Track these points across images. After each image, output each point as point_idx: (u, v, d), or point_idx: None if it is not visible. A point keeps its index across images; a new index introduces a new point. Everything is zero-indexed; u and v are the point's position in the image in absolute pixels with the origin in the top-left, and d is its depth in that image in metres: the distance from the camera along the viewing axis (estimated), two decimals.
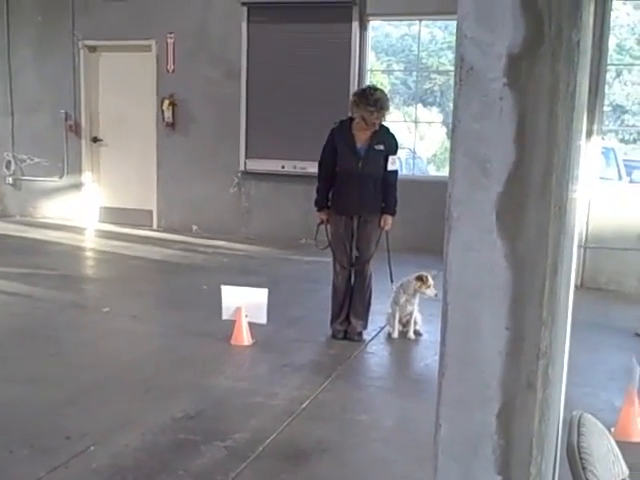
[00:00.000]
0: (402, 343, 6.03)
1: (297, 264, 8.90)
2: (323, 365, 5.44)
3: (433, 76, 16.03)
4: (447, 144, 17.02)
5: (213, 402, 4.67)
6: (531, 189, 1.57)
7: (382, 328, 6.29)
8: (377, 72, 13.53)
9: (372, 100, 5.68)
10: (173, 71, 10.90)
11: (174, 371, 5.20)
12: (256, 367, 5.42)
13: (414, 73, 12.38)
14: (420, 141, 14.05)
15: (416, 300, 6.10)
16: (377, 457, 4.05)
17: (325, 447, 4.10)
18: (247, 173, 10.61)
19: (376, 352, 5.86)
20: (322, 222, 6.05)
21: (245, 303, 5.82)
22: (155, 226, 11.12)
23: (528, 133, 1.57)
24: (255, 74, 10.40)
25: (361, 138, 5.82)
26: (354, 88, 10.04)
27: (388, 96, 5.96)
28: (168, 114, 10.87)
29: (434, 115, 16.87)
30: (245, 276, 7.60)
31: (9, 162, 11.82)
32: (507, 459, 1.56)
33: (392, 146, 5.88)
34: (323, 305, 6.21)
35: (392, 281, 6.10)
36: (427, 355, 5.69)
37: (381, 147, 5.79)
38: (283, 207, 10.34)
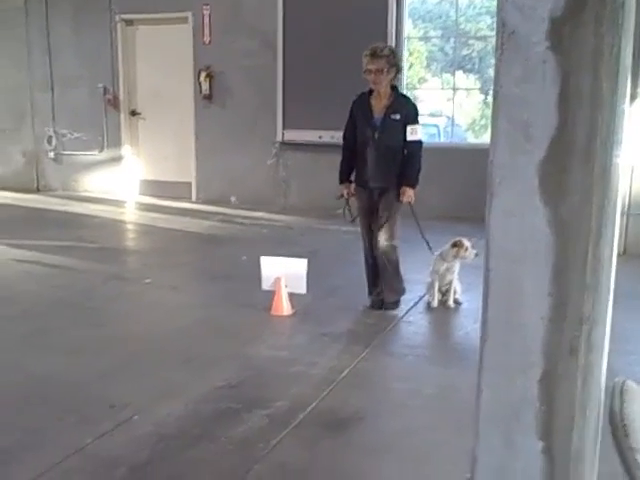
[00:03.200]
0: (441, 312, 6.02)
1: (335, 234, 8.90)
2: (362, 334, 5.46)
3: (471, 42, 15.78)
4: (486, 111, 16.82)
5: (254, 371, 4.72)
6: (574, 153, 1.55)
7: (421, 297, 6.29)
8: (414, 39, 13.37)
9: (369, 48, 5.56)
10: (209, 43, 10.91)
11: (215, 341, 5.26)
12: (296, 337, 5.45)
13: (452, 39, 12.22)
14: (458, 108, 13.88)
15: (456, 268, 6.03)
16: (416, 425, 4.06)
17: (364, 415, 4.13)
18: (285, 144, 10.62)
19: (415, 321, 5.86)
20: (342, 196, 5.90)
21: (284, 273, 5.85)
22: (194, 198, 11.21)
23: (571, 97, 1.55)
24: (291, 44, 10.36)
25: (378, 108, 5.63)
26: None
27: (395, 51, 5.76)
28: (205, 86, 10.90)
29: (472, 82, 16.63)
30: (284, 247, 7.64)
31: (50, 137, 11.97)
32: (549, 425, 1.56)
33: (410, 115, 5.60)
34: (362, 275, 6.21)
35: (430, 248, 6.02)
36: (466, 323, 5.68)
37: (397, 116, 5.55)
38: (321, 177, 10.33)
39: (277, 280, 5.84)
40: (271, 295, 5.86)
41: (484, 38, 15.96)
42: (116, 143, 11.66)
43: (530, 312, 1.57)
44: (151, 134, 11.55)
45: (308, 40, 10.27)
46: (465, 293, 6.23)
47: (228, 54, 10.71)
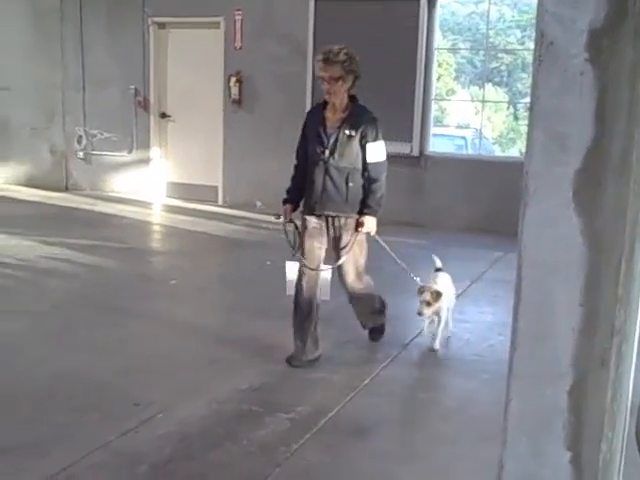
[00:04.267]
0: (466, 324, 6.01)
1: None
2: (385, 343, 5.45)
3: (500, 55, 15.77)
4: (513, 124, 16.76)
5: (276, 375, 4.75)
6: (610, 166, 1.55)
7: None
8: (443, 51, 13.39)
9: (321, 52, 4.76)
10: (240, 48, 10.98)
11: (238, 344, 5.29)
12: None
13: (481, 52, 12.22)
14: (486, 121, 13.86)
15: (441, 310, 5.29)
16: (437, 435, 4.07)
17: (385, 423, 4.15)
18: None
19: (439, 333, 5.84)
20: (279, 216, 5.10)
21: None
22: (220, 202, 11.26)
23: (608, 109, 1.56)
24: None
25: (332, 121, 4.79)
26: (421, 67, 10.00)
27: (353, 55, 4.76)
28: (235, 91, 10.97)
29: (501, 95, 16.61)
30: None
31: (80, 137, 12.10)
32: (578, 435, 1.56)
33: (369, 131, 4.74)
34: (387, 283, 6.20)
35: (414, 277, 5.33)
36: (491, 336, 5.65)
37: (352, 132, 4.70)
38: None
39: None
40: None
41: (513, 52, 15.96)
42: (145, 145, 11.76)
43: (561, 323, 1.58)
44: (180, 137, 11.64)
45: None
46: (491, 305, 6.21)
47: (258, 59, 10.78)
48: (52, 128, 12.20)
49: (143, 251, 8.31)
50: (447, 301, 5.35)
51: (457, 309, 5.84)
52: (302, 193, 4.93)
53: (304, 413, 4.18)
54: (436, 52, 10.30)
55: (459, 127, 13.93)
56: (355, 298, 5.19)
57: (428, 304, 5.09)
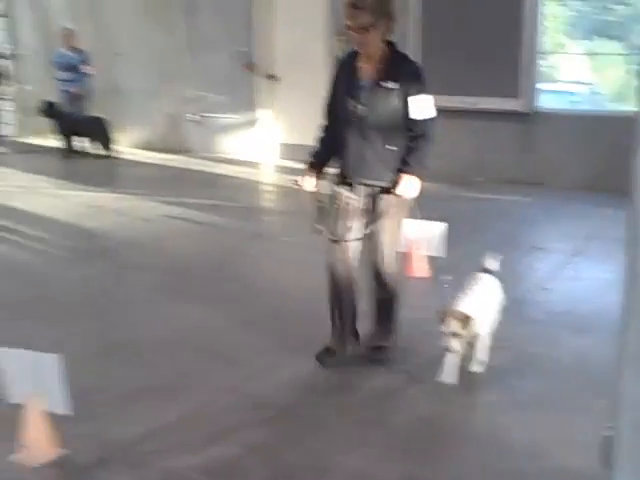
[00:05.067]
0: (578, 282, 5.95)
1: (470, 201, 8.89)
2: None
3: (614, 7, 15.10)
4: (629, 78, 16.08)
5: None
6: None
7: (566, 262, 6.21)
8: (552, 2, 12.95)
9: None
10: None
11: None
12: (431, 298, 5.55)
13: (593, 3, 11.77)
14: (599, 76, 13.38)
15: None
16: (549, 389, 4.11)
17: (500, 376, 4.22)
18: None
19: (555, 288, 5.80)
20: (296, 182, 4.29)
21: (422, 236, 5.95)
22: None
23: None
24: (428, 8, 10.29)
25: (366, 72, 4.08)
26: (527, 20, 9.75)
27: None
28: (343, 49, 11.00)
29: (615, 48, 15.94)
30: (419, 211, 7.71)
31: (191, 99, 12.44)
32: None
33: (411, 82, 4.02)
34: (498, 239, 6.21)
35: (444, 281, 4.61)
36: (606, 293, 5.58)
37: (390, 84, 4.00)
38: (455, 144, 10.25)
39: (415, 242, 5.95)
40: (408, 257, 5.97)
41: (628, 3, 15.25)
42: (254, 106, 11.97)
43: None
44: (289, 98, 11.78)
45: (445, 3, 10.16)
46: (604, 263, 6.13)
47: None
48: (165, 92, 12.59)
49: (256, 210, 8.58)
50: (487, 323, 4.18)
51: (571, 267, 5.76)
52: (330, 158, 4.28)
53: (419, 365, 4.31)
54: (540, 4, 10.01)
55: (571, 82, 13.51)
56: (380, 286, 4.37)
57: (456, 335, 3.92)
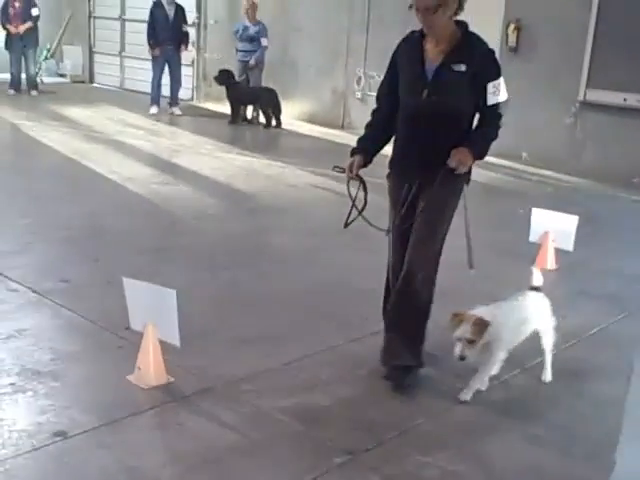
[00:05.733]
0: None
1: (622, 202, 8.59)
2: (624, 298, 5.35)
3: None
4: None
5: None
6: None
7: None
8: None
9: None
10: None
11: (472, 279, 5.42)
12: (552, 289, 5.49)
13: None
14: None
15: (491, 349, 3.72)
16: None
17: (601, 373, 4.18)
18: (586, 104, 10.28)
19: None
20: (341, 169, 3.95)
21: (554, 228, 5.89)
22: None
23: None
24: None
25: (433, 54, 3.72)
26: None
27: None
28: (512, 38, 10.86)
29: None
30: (564, 206, 7.55)
31: (360, 78, 12.71)
32: None
33: (486, 65, 3.68)
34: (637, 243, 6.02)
35: (472, 267, 4.05)
36: None
37: (462, 67, 3.63)
38: (622, 144, 9.89)
39: (545, 234, 5.90)
40: (537, 248, 5.93)
41: None
42: None
43: None
44: None
45: None
46: None
47: (540, 5, 10.52)
48: (335, 69, 12.94)
49: None
50: (508, 337, 3.76)
51: None
52: (380, 145, 3.95)
53: (519, 351, 4.32)
54: None
55: None
56: (410, 287, 3.81)
57: (471, 342, 3.57)
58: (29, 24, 13.80)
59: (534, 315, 3.93)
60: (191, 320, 3.89)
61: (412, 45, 3.80)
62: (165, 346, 3.73)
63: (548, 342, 3.98)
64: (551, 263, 5.88)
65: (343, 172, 3.92)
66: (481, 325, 3.55)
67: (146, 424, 3.47)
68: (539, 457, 3.35)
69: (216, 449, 3.22)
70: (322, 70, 13.03)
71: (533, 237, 6.01)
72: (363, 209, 3.96)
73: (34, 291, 4.79)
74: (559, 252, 5.90)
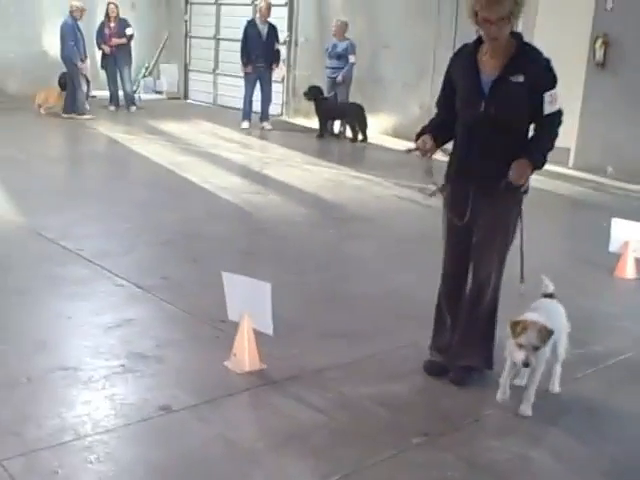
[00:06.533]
0: None
1: None
2: None
3: None
4: None
5: (581, 317, 5.03)
6: None
7: None
8: None
9: None
10: (611, 9, 10.82)
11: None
12: (631, 297, 5.62)
13: None
14: None
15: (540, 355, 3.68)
16: None
17: None
18: None
19: None
20: (412, 150, 3.95)
21: (634, 238, 5.98)
22: (571, 164, 11.31)
23: None
24: None
25: (490, 66, 3.78)
26: None
27: None
28: (599, 53, 10.88)
29: None
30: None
31: None
32: None
33: (542, 77, 3.71)
34: None
35: (522, 279, 4.00)
36: None
37: (520, 78, 3.69)
38: None
39: (626, 244, 6.00)
40: (617, 258, 6.04)
41: None
42: None
43: None
44: None
45: None
46: None
47: (628, 20, 10.52)
48: (421, 84, 13.18)
49: None
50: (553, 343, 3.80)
51: None
52: (443, 133, 3.95)
53: (596, 351, 4.50)
54: None
55: None
56: (479, 301, 3.99)
57: (536, 349, 3.59)
58: (122, 40, 14.50)
59: (559, 322, 3.91)
60: (282, 315, 4.21)
61: (466, 58, 3.87)
62: (259, 337, 4.07)
63: (561, 351, 3.94)
64: (631, 272, 5.97)
65: (411, 152, 3.96)
66: (545, 332, 3.60)
67: (241, 403, 3.83)
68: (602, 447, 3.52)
69: (304, 427, 3.54)
70: (408, 86, 13.30)
71: (613, 247, 6.11)
72: (435, 192, 4.04)
73: (138, 286, 5.24)
74: (637, 261, 5.99)
